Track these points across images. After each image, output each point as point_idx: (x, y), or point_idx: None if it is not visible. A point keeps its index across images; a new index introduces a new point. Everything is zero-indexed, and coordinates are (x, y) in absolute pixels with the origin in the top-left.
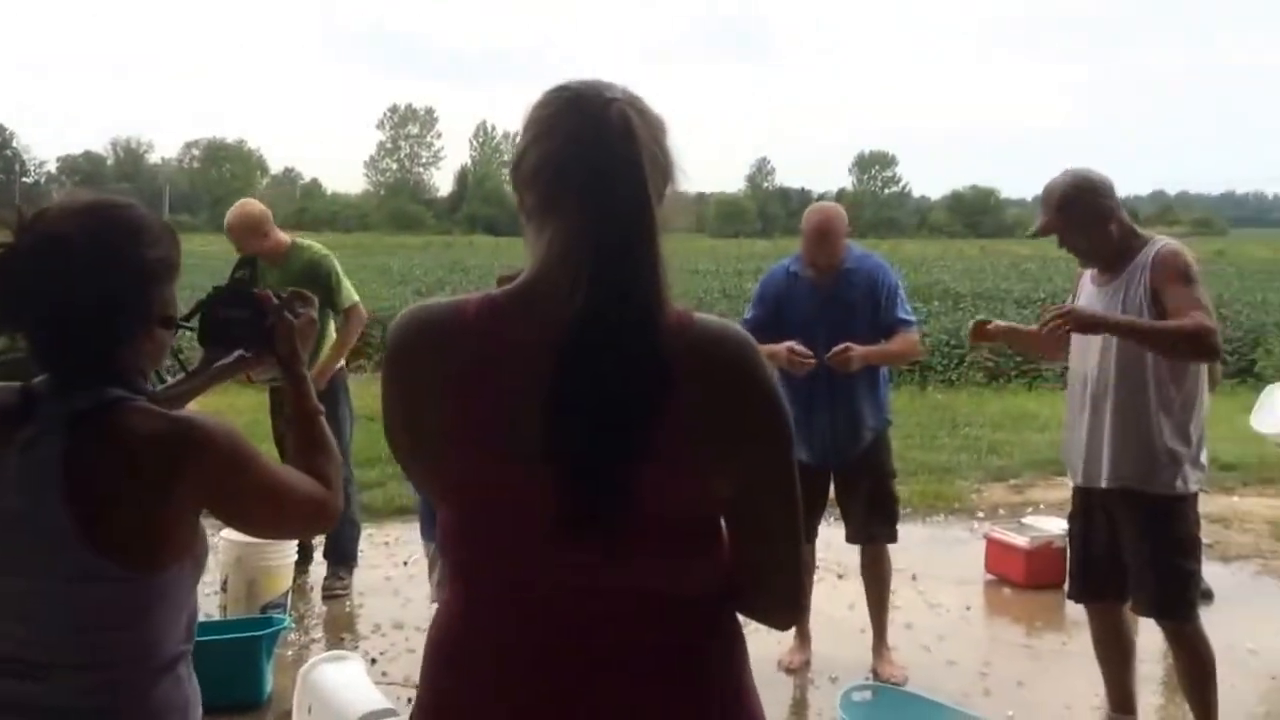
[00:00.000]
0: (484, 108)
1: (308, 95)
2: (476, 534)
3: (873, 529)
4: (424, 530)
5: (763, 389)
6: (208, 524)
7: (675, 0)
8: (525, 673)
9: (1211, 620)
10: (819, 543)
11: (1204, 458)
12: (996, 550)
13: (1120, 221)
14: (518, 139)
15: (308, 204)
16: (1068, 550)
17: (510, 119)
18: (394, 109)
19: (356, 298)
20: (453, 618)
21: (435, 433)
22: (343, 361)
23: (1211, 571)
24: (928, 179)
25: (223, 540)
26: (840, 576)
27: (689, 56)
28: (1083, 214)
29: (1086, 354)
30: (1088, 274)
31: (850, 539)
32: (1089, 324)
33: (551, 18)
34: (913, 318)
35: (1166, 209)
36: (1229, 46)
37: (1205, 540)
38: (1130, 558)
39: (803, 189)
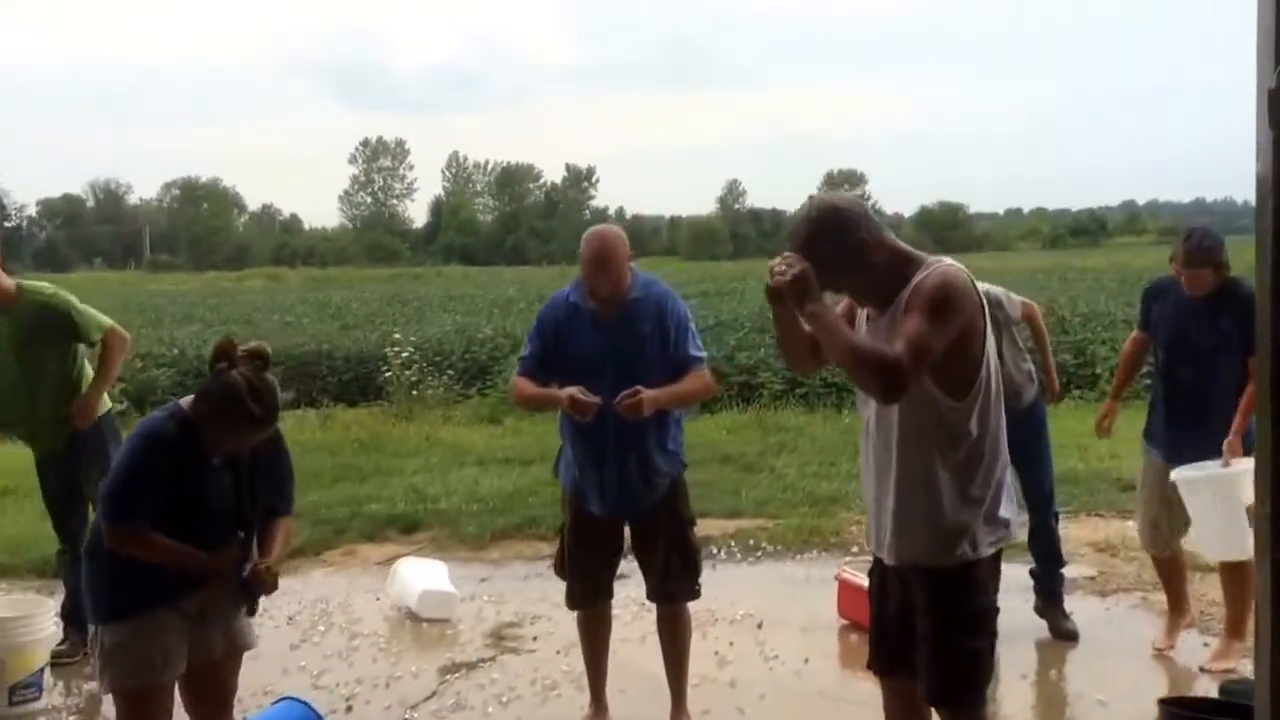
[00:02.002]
0: (454, 138)
1: (280, 132)
2: None
3: (670, 587)
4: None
5: None
6: None
7: (632, 25)
8: None
9: (1070, 664)
10: (626, 598)
11: (1003, 509)
12: (847, 592)
13: (887, 248)
14: None
15: (287, 239)
16: None
17: (480, 149)
18: (365, 142)
19: (109, 322)
20: None
21: None
22: (108, 403)
23: (1086, 608)
24: (899, 196)
25: None
26: None
27: (650, 81)
28: (830, 257)
29: (866, 399)
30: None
31: (650, 597)
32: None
33: (502, 46)
34: (704, 354)
35: (1134, 217)
36: (1200, 61)
37: (1089, 572)
38: (919, 634)
39: (774, 209)
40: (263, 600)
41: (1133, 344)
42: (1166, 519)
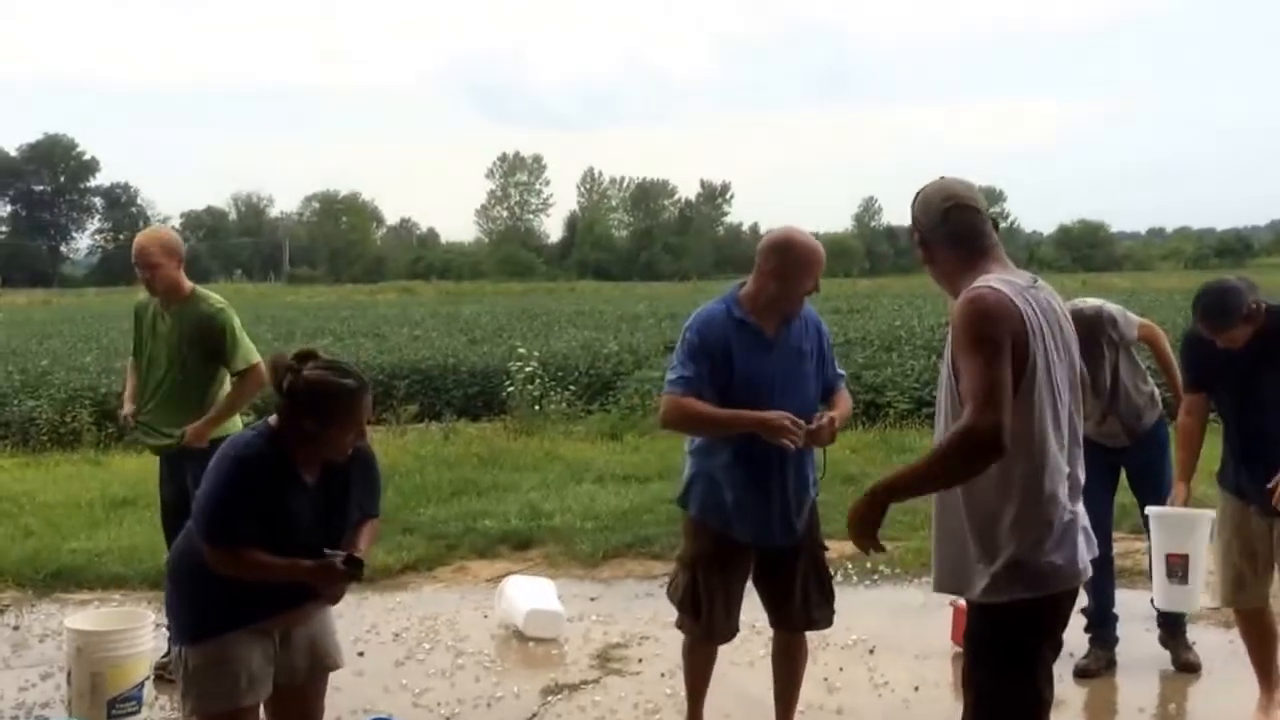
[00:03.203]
0: (593, 154)
1: (422, 145)
2: None
3: (814, 613)
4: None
5: None
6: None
7: (770, 42)
8: None
9: (1190, 698)
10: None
11: (1051, 554)
12: (961, 618)
13: (951, 258)
14: None
15: (423, 253)
16: None
17: (619, 165)
18: (503, 157)
19: (256, 358)
20: None
21: None
22: (239, 423)
23: (1210, 639)
24: (1041, 214)
25: (65, 628)
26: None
27: (788, 97)
28: (920, 238)
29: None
30: None
31: (786, 625)
32: (866, 522)
33: (645, 62)
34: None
35: None
36: None
37: (1212, 603)
38: None
39: (909, 226)
40: (371, 617)
41: (1187, 413)
42: (1251, 569)
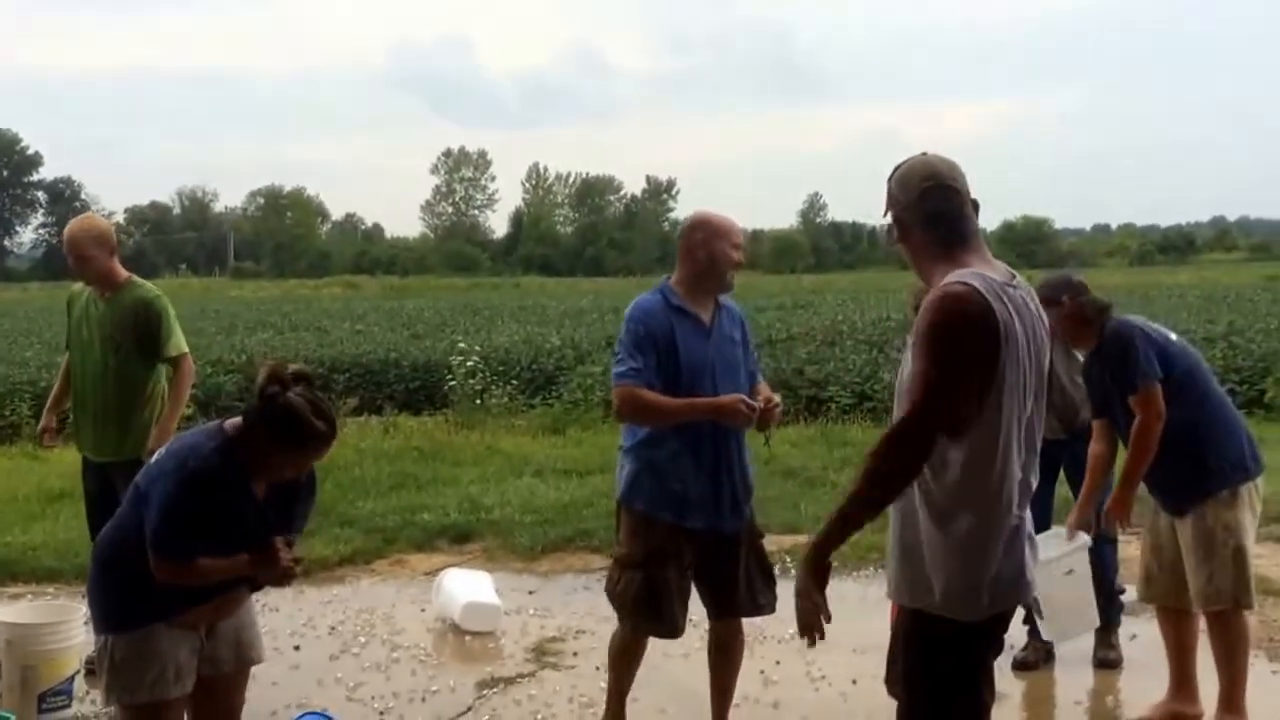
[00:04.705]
0: (541, 150)
1: (367, 141)
2: None
3: (760, 598)
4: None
5: None
6: None
7: (722, 39)
8: None
9: (1126, 692)
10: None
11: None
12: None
13: (924, 244)
14: None
15: (368, 247)
16: None
17: (566, 160)
18: (448, 153)
19: (186, 349)
20: None
21: None
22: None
23: (1154, 632)
24: (986, 209)
25: None
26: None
27: (735, 93)
28: (894, 216)
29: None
30: None
31: (732, 612)
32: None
33: (593, 58)
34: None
35: (1224, 234)
36: None
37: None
38: None
39: (854, 222)
40: (308, 610)
41: (1096, 440)
42: (1156, 565)
